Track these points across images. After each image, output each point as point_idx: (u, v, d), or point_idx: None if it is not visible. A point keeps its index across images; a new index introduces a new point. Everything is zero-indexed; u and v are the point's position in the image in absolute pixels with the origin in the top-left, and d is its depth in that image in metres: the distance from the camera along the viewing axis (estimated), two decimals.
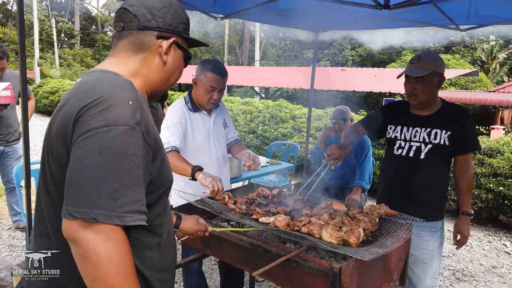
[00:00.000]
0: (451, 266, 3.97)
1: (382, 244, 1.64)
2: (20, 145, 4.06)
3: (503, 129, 12.73)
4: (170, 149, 2.21)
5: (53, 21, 31.46)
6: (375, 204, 2.16)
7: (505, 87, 17.07)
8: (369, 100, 17.71)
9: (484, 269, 3.94)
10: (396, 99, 9.87)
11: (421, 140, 2.28)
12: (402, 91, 2.41)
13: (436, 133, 2.24)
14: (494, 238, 4.74)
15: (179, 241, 1.68)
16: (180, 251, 2.60)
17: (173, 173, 1.24)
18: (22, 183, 2.75)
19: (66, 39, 38.04)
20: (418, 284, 2.35)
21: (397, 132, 2.39)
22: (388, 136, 2.46)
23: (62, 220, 0.90)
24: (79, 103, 0.96)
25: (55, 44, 30.17)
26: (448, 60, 18.74)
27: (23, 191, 2.56)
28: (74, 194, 0.89)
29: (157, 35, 1.11)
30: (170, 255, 1.18)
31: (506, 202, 4.76)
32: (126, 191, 0.90)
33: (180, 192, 2.27)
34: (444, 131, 2.22)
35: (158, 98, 1.23)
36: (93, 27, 41.12)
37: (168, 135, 2.27)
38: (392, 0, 2.86)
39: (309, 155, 4.01)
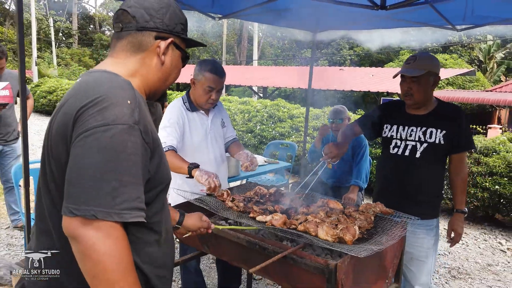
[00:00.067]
0: (447, 264, 4.00)
1: (377, 241, 1.66)
2: (18, 144, 4.07)
3: (500, 128, 12.77)
4: (167, 149, 2.23)
5: (51, 20, 31.32)
6: (371, 203, 2.19)
7: (502, 87, 17.13)
8: (366, 100, 17.76)
9: (480, 267, 3.97)
10: (393, 99, 9.90)
11: (416, 139, 2.31)
12: (400, 91, 2.43)
13: (431, 132, 2.27)
14: (489, 237, 4.78)
15: (182, 237, 1.70)
16: (178, 249, 2.61)
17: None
18: (21, 182, 2.77)
19: (64, 39, 37.93)
20: (414, 282, 2.37)
21: (393, 131, 2.42)
22: (384, 135, 2.48)
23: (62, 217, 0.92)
24: (78, 103, 0.97)
25: (53, 43, 30.07)
26: (446, 60, 18.78)
27: (22, 190, 2.57)
28: (74, 193, 0.90)
29: (155, 36, 1.13)
30: (168, 252, 1.20)
31: (501, 200, 4.80)
32: (125, 189, 0.92)
33: (178, 190, 2.29)
34: (439, 130, 2.25)
35: (156, 98, 1.25)
36: (91, 26, 41.01)
37: (165, 135, 2.29)
38: (388, 1, 2.88)
39: (307, 154, 4.03)
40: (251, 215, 1.92)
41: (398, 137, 2.38)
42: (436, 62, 2.30)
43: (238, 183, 4.12)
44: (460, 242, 4.46)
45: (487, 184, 4.79)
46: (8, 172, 3.95)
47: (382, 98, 12.80)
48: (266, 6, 3.30)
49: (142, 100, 1.07)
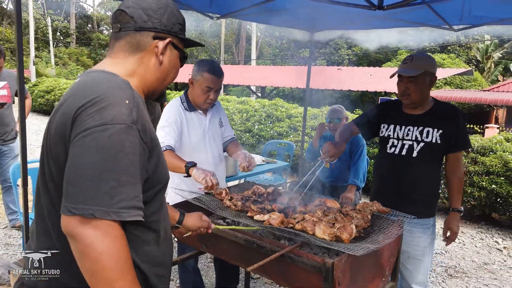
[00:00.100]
0: (443, 262, 4.02)
1: (374, 240, 1.67)
2: (16, 144, 4.06)
3: (498, 128, 12.82)
4: (165, 149, 2.23)
5: (48, 19, 31.25)
6: (368, 202, 2.20)
7: (499, 86, 17.17)
8: (364, 99, 17.78)
9: (476, 265, 4.00)
10: (391, 98, 9.93)
11: (413, 138, 2.32)
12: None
13: (428, 131, 2.28)
14: (486, 235, 4.81)
15: (182, 237, 1.70)
16: (176, 248, 2.62)
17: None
18: (19, 182, 2.77)
19: (61, 38, 37.84)
20: (410, 280, 2.39)
21: (390, 131, 2.43)
22: (381, 135, 2.50)
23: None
24: (77, 103, 0.98)
25: (51, 43, 29.98)
26: (443, 60, 18.82)
27: (20, 190, 2.57)
28: (72, 192, 0.91)
29: (154, 36, 1.13)
30: (167, 251, 1.20)
31: (498, 200, 4.83)
32: (123, 188, 0.92)
33: (176, 189, 2.30)
34: (436, 130, 2.27)
35: (155, 97, 1.26)
36: (89, 25, 40.90)
37: (163, 135, 2.30)
38: (385, 1, 2.90)
39: (305, 154, 4.04)
40: (249, 214, 1.93)
41: (395, 137, 2.40)
42: (433, 62, 2.32)
43: (236, 182, 4.13)
44: (457, 241, 4.49)
45: (484, 183, 4.81)
46: (6, 172, 3.95)
47: (380, 97, 12.82)
48: (264, 6, 3.31)
49: (140, 100, 1.08)
